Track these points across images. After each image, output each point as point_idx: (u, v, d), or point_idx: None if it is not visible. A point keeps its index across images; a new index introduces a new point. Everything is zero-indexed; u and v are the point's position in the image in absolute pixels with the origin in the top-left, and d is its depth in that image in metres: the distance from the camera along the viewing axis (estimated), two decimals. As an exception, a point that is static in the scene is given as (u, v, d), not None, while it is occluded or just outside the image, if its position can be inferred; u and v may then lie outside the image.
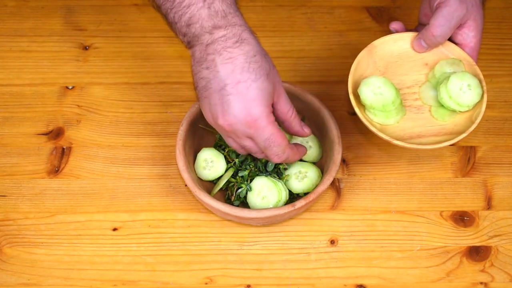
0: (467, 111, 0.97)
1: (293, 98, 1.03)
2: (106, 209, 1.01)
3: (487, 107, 1.09)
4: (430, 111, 0.98)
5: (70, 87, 1.11)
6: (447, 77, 0.96)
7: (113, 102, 1.10)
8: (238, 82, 0.85)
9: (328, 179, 0.96)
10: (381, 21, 1.17)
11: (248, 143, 0.90)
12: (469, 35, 0.98)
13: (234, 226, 1.00)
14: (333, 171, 0.96)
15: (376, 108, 0.95)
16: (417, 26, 1.01)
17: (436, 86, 0.98)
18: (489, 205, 1.02)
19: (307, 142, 1.01)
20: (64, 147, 1.06)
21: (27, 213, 1.01)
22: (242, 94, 0.85)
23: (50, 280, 0.97)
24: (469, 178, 1.04)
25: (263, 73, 0.86)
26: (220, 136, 1.02)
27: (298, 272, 0.97)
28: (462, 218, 1.01)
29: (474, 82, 0.96)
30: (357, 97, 0.96)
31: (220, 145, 1.02)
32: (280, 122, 0.92)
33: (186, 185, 1.02)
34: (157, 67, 1.13)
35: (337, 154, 0.97)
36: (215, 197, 0.98)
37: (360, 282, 0.97)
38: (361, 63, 0.98)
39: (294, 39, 1.16)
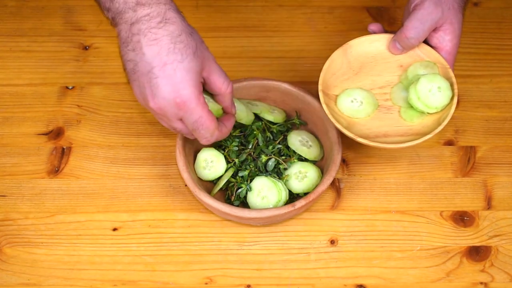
0: (435, 113, 0.97)
1: (293, 98, 1.03)
2: (106, 209, 1.01)
3: (488, 107, 1.09)
4: (399, 111, 0.98)
5: (70, 87, 1.11)
6: (418, 79, 0.97)
7: (113, 102, 1.10)
8: (165, 64, 0.85)
9: (328, 179, 0.96)
10: (381, 21, 1.17)
11: (179, 125, 0.90)
12: (445, 38, 0.97)
13: (234, 226, 1.00)
14: (333, 171, 0.96)
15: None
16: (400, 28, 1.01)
17: (407, 88, 0.98)
18: (489, 205, 1.02)
19: (307, 141, 1.01)
20: (64, 147, 1.06)
21: (27, 213, 1.01)
22: (169, 76, 0.85)
23: (50, 280, 0.97)
24: (469, 178, 1.04)
25: (190, 52, 0.86)
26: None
27: (298, 272, 0.97)
28: (462, 218, 1.01)
29: (444, 84, 0.96)
30: (326, 94, 0.97)
31: (220, 145, 1.02)
32: (214, 95, 0.92)
33: (186, 185, 1.02)
34: (157, 67, 1.13)
35: (337, 154, 0.97)
36: (215, 197, 0.98)
37: (360, 282, 0.97)
38: (335, 62, 0.99)
39: (294, 39, 1.16)
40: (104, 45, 1.15)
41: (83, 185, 1.03)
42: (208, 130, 0.90)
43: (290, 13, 1.18)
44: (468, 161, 1.05)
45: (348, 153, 1.06)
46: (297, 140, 1.01)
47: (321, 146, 1.03)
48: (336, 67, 0.99)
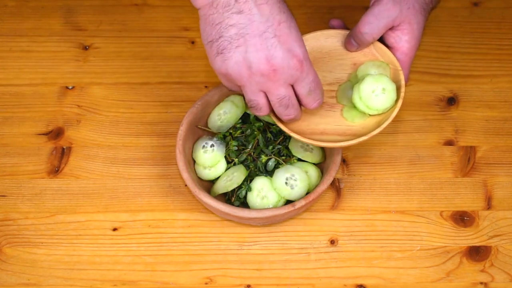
0: (378, 115, 0.94)
1: (293, 98, 1.03)
2: (106, 209, 1.01)
3: (488, 107, 1.09)
4: (341, 110, 0.96)
5: (70, 87, 1.11)
6: (363, 78, 0.94)
7: (113, 102, 1.10)
8: (280, 23, 0.84)
9: (328, 179, 0.96)
10: (381, 21, 1.17)
11: (286, 91, 0.87)
12: (402, 38, 0.95)
13: (234, 226, 1.00)
14: (333, 171, 0.96)
15: None
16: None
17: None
18: (489, 205, 1.02)
19: (307, 145, 1.01)
20: (64, 147, 1.06)
21: (27, 213, 1.01)
22: (286, 34, 0.84)
23: (50, 280, 0.97)
24: (469, 178, 1.04)
25: (292, 14, 0.86)
26: (221, 135, 1.02)
27: (298, 272, 0.97)
28: (462, 218, 1.01)
29: (390, 86, 0.93)
30: None
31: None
32: None
33: (186, 185, 1.02)
34: (157, 67, 1.13)
35: (337, 154, 0.97)
36: (215, 197, 0.98)
37: (360, 282, 0.97)
38: None
39: (294, 39, 1.16)
40: (104, 45, 1.15)
41: (83, 185, 1.03)
42: (321, 90, 0.89)
43: (290, 13, 1.18)
44: (468, 161, 1.05)
45: (348, 153, 1.05)
46: (299, 147, 1.00)
47: (321, 148, 1.02)
48: None
